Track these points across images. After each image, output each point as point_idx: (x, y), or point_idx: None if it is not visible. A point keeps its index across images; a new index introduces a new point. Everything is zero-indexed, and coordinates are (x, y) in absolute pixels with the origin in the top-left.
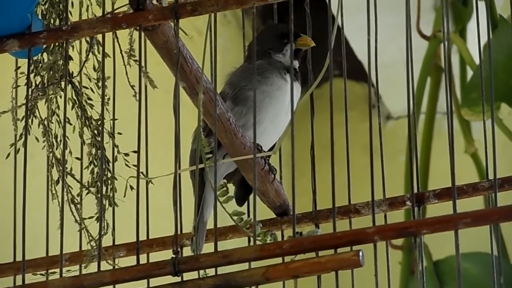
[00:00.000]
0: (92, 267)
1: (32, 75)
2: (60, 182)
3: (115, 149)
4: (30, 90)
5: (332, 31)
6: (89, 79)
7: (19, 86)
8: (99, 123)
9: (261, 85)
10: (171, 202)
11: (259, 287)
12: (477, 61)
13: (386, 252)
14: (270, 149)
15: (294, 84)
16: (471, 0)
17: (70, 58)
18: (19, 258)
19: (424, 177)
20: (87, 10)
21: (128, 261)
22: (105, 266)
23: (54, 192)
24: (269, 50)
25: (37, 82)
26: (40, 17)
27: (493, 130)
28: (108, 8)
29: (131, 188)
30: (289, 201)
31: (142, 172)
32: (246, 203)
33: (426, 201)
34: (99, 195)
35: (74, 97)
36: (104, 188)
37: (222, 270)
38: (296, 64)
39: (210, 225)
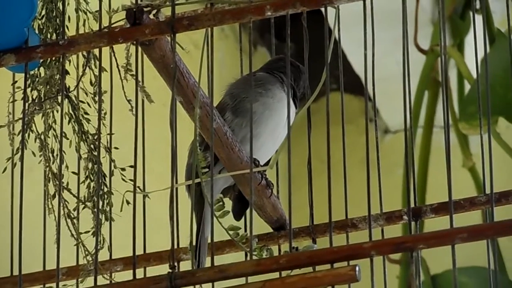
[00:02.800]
0: (89, 282)
1: (28, 90)
2: (57, 196)
3: (112, 164)
4: (26, 104)
5: (329, 45)
6: (86, 93)
7: (15, 100)
8: (95, 137)
9: (262, 97)
10: (168, 217)
11: None
12: (474, 75)
13: (383, 266)
14: (267, 163)
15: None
16: (468, 14)
17: (67, 72)
18: (16, 272)
19: (422, 191)
20: (84, 25)
21: (124, 275)
22: (102, 280)
23: (50, 206)
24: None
25: (34, 97)
26: (37, 31)
27: (489, 144)
28: (105, 23)
29: (128, 202)
30: (286, 215)
31: (138, 187)
32: (243, 217)
33: (423, 216)
34: (95, 209)
35: (71, 111)
36: (101, 203)
37: (218, 285)
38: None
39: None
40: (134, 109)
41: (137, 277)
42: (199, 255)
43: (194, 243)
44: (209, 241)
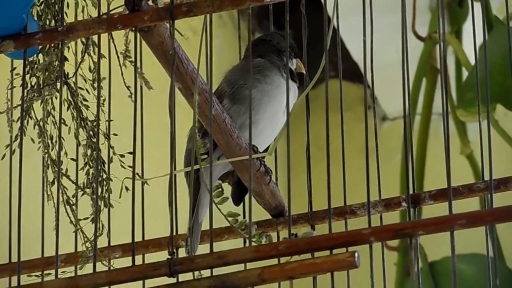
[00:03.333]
0: (88, 268)
1: (27, 76)
2: (56, 183)
3: (111, 150)
4: (25, 91)
5: (328, 32)
6: (85, 80)
7: (14, 87)
8: (94, 124)
9: (260, 84)
10: (167, 203)
11: None
12: (472, 62)
13: (382, 253)
14: (266, 150)
15: (291, 85)
16: (466, 1)
17: (66, 59)
18: (14, 259)
19: (420, 178)
20: (82, 11)
21: (123, 262)
22: (101, 267)
23: (49, 193)
24: (271, 54)
25: (33, 83)
26: (35, 18)
27: (489, 131)
28: (104, 9)
29: (127, 189)
30: (285, 202)
31: (137, 173)
32: (241, 204)
33: (421, 202)
34: (94, 196)
35: (70, 98)
36: (100, 189)
37: (217, 271)
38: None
39: (205, 226)
40: (133, 96)
41: (136, 264)
42: (192, 240)
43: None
44: (206, 227)
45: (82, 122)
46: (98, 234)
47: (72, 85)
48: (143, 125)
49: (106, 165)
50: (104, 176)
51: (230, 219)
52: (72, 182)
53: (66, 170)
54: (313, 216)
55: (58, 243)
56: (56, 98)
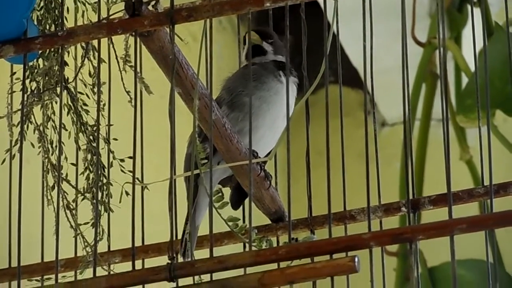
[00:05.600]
0: (88, 273)
1: (27, 81)
2: (56, 187)
3: (111, 155)
4: (25, 95)
5: (328, 37)
6: (85, 84)
7: (14, 91)
8: (94, 128)
9: (258, 91)
10: (167, 208)
11: None
12: (472, 68)
13: (382, 258)
14: (266, 155)
15: (290, 82)
16: (466, 6)
17: (66, 63)
18: (14, 264)
19: (419, 183)
20: (82, 16)
21: (123, 267)
22: (101, 272)
23: (49, 197)
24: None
25: (33, 88)
26: (35, 22)
27: (488, 137)
28: (104, 14)
29: (127, 194)
30: (285, 207)
31: (137, 178)
32: (241, 209)
33: (421, 207)
34: (94, 201)
35: (70, 102)
36: (100, 194)
37: (217, 275)
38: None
39: (205, 231)
40: (133, 100)
41: (136, 268)
42: (186, 244)
43: (187, 232)
44: (206, 232)
45: (82, 126)
46: (98, 238)
47: (72, 89)
48: (143, 130)
49: (106, 170)
50: (104, 180)
51: (230, 223)
52: (72, 186)
53: (66, 175)
54: (313, 221)
55: (58, 248)
56: (56, 102)
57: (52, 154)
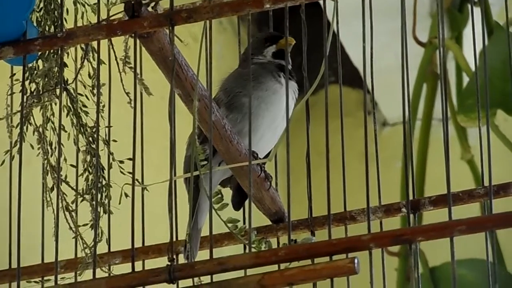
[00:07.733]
0: (87, 275)
1: (27, 82)
2: (55, 189)
3: (110, 156)
4: (25, 97)
5: (328, 37)
6: (84, 86)
7: (14, 93)
8: (94, 130)
9: (256, 91)
10: (167, 209)
11: None
12: (473, 68)
13: (382, 259)
14: (266, 156)
15: (290, 84)
16: (466, 6)
17: (65, 65)
18: (14, 265)
19: (420, 184)
20: (82, 17)
21: (123, 268)
22: (100, 273)
23: (49, 199)
24: (251, 55)
25: (32, 89)
26: (35, 24)
27: (488, 137)
28: (103, 15)
29: (126, 195)
30: (285, 208)
31: (137, 179)
32: (242, 210)
33: (421, 208)
34: (94, 202)
35: (69, 104)
36: (99, 195)
37: (217, 277)
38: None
39: (205, 232)
40: (132, 102)
41: (136, 270)
42: (190, 246)
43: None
44: (206, 233)
45: (81, 128)
46: (97, 240)
47: (72, 91)
48: (143, 131)
49: (105, 171)
50: (104, 182)
51: (230, 225)
52: (71, 188)
53: (66, 176)
54: (313, 222)
55: (58, 249)
56: (55, 104)
57: (51, 156)
